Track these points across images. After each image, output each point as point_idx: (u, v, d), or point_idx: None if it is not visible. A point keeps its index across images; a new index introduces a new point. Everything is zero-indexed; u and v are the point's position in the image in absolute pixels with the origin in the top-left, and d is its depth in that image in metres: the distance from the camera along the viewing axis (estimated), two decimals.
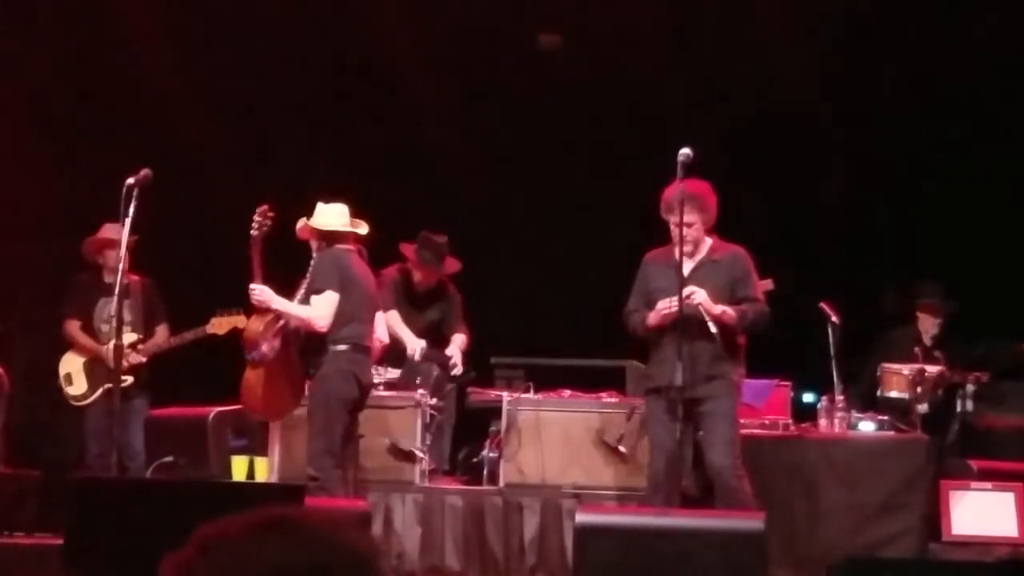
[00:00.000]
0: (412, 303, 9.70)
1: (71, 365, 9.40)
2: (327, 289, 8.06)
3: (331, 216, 8.26)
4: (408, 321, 9.58)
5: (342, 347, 8.12)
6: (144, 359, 9.24)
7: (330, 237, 8.22)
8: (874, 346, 9.83)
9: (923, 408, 9.10)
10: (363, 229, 8.37)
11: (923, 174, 10.68)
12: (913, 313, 10.04)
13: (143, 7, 10.94)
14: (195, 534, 1.83)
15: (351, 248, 8.28)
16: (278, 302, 8.09)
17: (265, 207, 8.08)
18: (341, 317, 8.12)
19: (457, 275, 9.96)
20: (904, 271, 10.22)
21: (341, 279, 8.11)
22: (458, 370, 9.63)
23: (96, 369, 9.29)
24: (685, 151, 7.72)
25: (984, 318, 9.90)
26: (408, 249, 9.73)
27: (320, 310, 8.05)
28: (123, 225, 7.84)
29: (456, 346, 9.74)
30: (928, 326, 10.00)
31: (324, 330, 8.03)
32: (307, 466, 8.08)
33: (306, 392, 8.31)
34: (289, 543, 1.80)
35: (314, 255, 8.24)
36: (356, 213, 8.38)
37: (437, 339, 9.79)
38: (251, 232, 8.05)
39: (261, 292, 8.04)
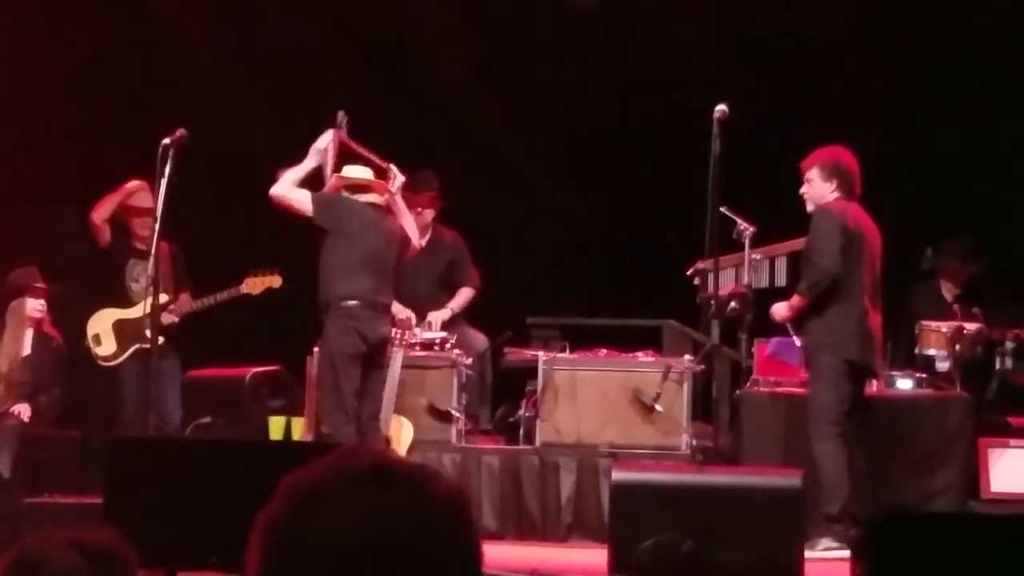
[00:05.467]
0: (419, 266, 9.59)
1: (100, 325, 9.37)
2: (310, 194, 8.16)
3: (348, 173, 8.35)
4: (418, 276, 9.49)
5: (345, 303, 8.13)
6: (176, 319, 9.19)
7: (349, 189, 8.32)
8: (905, 302, 9.73)
9: (944, 367, 8.98)
10: (357, 173, 8.35)
11: (963, 129, 10.50)
12: (936, 270, 9.98)
13: None
14: (282, 485, 1.78)
15: (370, 201, 8.31)
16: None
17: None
18: (343, 271, 8.14)
19: (479, 231, 9.99)
20: (943, 225, 10.08)
21: (340, 221, 8.18)
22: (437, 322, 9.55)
23: (125, 329, 9.27)
24: (721, 107, 7.69)
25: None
26: (421, 200, 9.67)
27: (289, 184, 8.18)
28: (159, 185, 7.82)
29: (455, 302, 9.73)
30: (949, 286, 9.95)
31: (274, 190, 8.13)
32: (322, 424, 8.16)
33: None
34: (380, 493, 1.75)
35: None
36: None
37: (450, 289, 9.81)
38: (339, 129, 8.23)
39: None
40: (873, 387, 8.59)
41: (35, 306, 9.25)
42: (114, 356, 9.30)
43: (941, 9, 10.52)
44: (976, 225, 10.02)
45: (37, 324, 9.30)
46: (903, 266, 9.32)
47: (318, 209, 8.14)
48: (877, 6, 10.73)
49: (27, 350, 9.24)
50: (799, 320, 8.03)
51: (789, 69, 10.57)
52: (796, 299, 8.01)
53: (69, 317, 9.47)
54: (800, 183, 8.05)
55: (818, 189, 7.97)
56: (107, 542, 2.41)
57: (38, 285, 9.25)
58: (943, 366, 9.02)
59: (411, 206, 9.70)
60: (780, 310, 8.10)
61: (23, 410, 9.05)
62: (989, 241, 9.91)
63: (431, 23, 11.14)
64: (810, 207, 8.01)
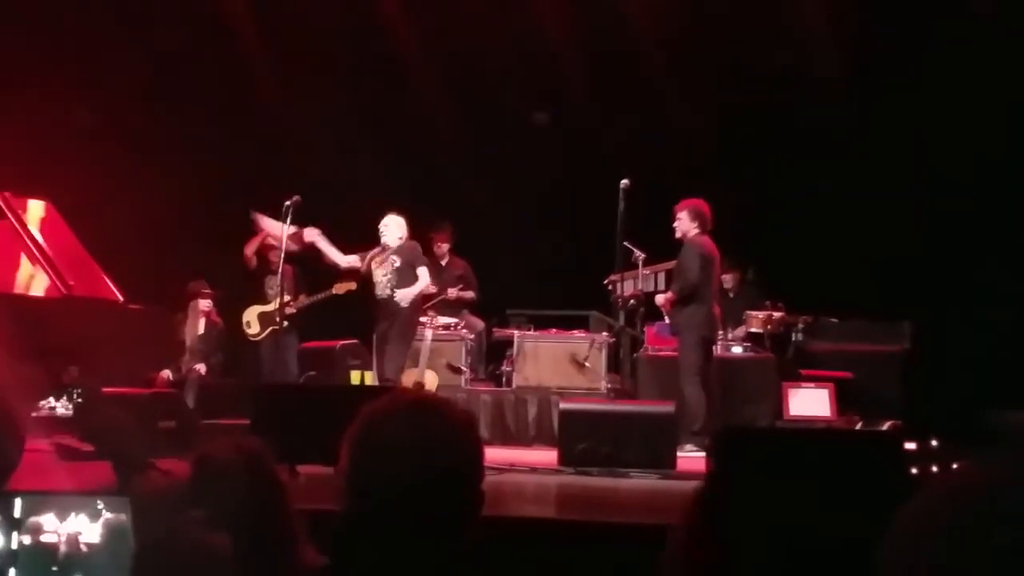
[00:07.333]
0: (441, 276, 9.56)
1: (250, 315, 9.39)
2: (421, 265, 8.11)
3: (402, 225, 8.23)
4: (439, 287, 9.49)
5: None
6: (295, 311, 9.17)
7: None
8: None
9: (738, 348, 8.83)
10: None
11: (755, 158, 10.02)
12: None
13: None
14: (360, 412, 1.79)
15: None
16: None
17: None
18: None
19: (480, 254, 9.88)
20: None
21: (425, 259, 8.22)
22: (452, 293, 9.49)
23: (265, 318, 9.26)
24: (625, 181, 7.56)
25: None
26: (440, 238, 9.65)
27: (425, 279, 8.14)
28: (283, 233, 7.76)
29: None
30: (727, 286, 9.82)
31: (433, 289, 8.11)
32: (387, 373, 8.10)
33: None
34: (420, 415, 1.74)
35: (385, 240, 8.13)
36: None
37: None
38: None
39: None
40: (718, 351, 8.61)
41: (205, 304, 9.20)
42: (258, 335, 9.28)
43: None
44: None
45: (207, 315, 9.25)
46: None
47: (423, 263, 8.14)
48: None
49: (201, 331, 9.19)
50: (673, 308, 8.02)
51: (673, 157, 10.34)
52: (670, 295, 8.01)
53: (228, 311, 9.42)
54: (674, 219, 8.00)
55: (685, 225, 7.92)
56: (255, 445, 2.42)
57: (206, 291, 9.22)
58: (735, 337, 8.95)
59: (433, 243, 9.68)
60: (660, 300, 8.14)
61: (201, 368, 9.00)
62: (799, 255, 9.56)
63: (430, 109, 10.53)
64: (678, 234, 7.96)
